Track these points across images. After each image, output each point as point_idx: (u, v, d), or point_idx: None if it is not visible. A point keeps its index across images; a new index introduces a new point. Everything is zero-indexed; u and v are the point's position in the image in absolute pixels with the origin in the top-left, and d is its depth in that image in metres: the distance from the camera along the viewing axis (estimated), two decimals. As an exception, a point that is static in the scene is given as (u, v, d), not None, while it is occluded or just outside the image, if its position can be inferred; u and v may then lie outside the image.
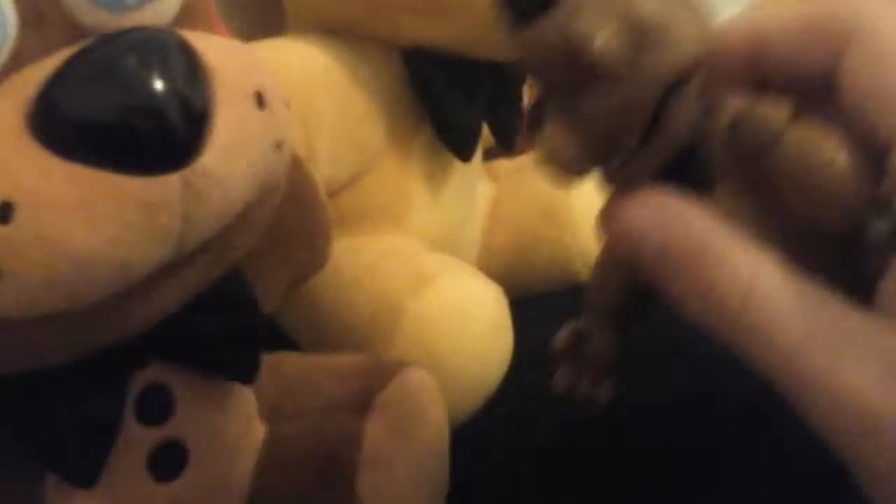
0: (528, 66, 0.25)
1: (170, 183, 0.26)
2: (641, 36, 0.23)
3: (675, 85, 0.24)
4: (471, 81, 0.50)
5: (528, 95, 0.57)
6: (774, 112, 0.23)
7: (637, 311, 0.31)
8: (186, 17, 0.30)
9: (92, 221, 0.25)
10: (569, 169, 0.24)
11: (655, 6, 0.23)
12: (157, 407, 0.33)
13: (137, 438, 0.32)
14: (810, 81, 0.24)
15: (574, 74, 0.23)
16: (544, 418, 0.44)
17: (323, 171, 0.45)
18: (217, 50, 0.28)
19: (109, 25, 0.28)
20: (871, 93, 0.23)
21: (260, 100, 0.29)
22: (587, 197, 0.55)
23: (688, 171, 0.25)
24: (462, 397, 0.43)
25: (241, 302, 0.34)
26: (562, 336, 0.31)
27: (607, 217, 0.25)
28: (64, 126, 0.25)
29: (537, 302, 0.54)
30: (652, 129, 0.24)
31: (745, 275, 0.23)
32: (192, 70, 0.27)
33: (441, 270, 0.45)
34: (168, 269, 0.28)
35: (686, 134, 0.25)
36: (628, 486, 0.39)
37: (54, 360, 0.29)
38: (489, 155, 0.60)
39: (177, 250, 0.27)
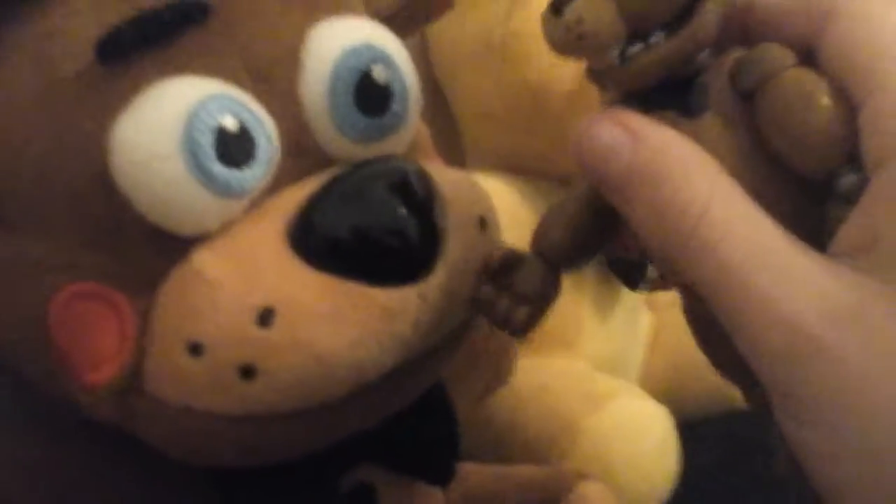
0: None
1: (408, 294, 0.29)
2: None
3: None
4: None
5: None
6: (781, 52, 0.25)
7: (577, 254, 0.30)
8: (415, 148, 0.34)
9: (338, 326, 0.28)
10: (596, 35, 0.24)
11: None
12: (364, 504, 0.35)
13: (347, 534, 0.34)
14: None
15: None
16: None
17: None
18: (447, 178, 0.32)
19: (354, 154, 0.32)
20: (848, 66, 0.24)
21: (483, 225, 0.32)
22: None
23: (683, 96, 0.26)
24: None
25: (443, 412, 0.37)
26: (495, 255, 0.30)
27: (580, 135, 0.26)
28: (321, 242, 0.29)
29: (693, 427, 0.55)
30: (680, 23, 0.25)
31: (704, 195, 0.24)
32: (430, 196, 0.30)
33: (613, 392, 0.48)
34: (392, 375, 0.30)
35: (709, 39, 0.25)
36: None
37: (280, 456, 0.31)
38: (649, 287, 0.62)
39: (405, 356, 0.30)
